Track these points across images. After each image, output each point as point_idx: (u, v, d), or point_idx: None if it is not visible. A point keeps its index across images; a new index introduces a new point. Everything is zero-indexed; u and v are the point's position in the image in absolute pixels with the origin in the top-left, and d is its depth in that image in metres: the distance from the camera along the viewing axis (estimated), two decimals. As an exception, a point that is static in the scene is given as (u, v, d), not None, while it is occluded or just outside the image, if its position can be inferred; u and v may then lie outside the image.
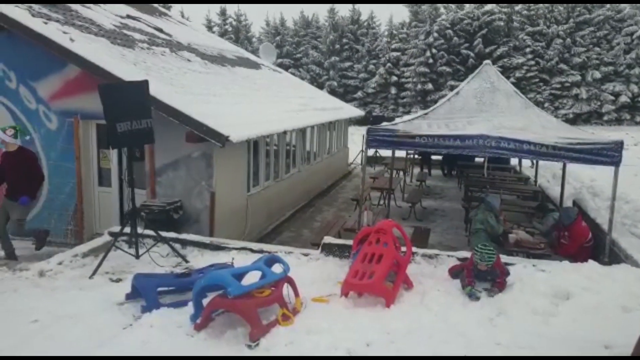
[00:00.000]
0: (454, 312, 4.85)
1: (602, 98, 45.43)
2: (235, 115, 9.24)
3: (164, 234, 6.89)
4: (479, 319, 4.71)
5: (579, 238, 7.56)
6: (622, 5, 47.86)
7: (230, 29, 59.19)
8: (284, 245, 7.55)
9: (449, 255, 6.22)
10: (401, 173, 15.72)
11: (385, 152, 14.78)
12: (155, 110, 7.48)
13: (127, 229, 6.70)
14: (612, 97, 45.09)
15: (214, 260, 6.17)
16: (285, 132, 11.26)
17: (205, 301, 4.61)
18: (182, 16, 46.69)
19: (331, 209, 13.08)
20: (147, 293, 4.92)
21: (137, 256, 6.57)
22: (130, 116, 6.17)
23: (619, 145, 6.91)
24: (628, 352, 3.58)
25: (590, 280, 5.23)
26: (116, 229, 7.23)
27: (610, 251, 6.99)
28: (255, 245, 6.98)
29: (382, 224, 5.81)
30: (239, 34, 58.23)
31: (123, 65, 8.41)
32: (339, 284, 5.39)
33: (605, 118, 45.29)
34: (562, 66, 46.44)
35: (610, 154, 6.93)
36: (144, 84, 6.47)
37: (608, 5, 47.58)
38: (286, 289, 4.96)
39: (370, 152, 10.58)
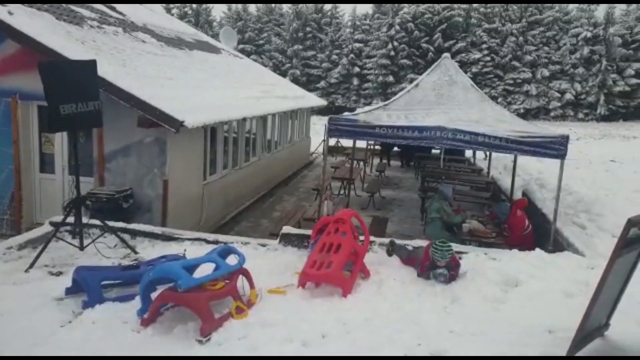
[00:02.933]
0: (409, 301, 4.87)
1: (549, 95, 47.51)
2: (191, 100, 8.93)
3: (111, 223, 6.56)
4: (434, 307, 4.76)
5: (516, 228, 7.89)
6: (570, 7, 50.03)
7: (190, 11, 57.63)
8: (241, 236, 7.40)
9: (405, 245, 6.25)
10: (361, 163, 15.79)
11: (347, 143, 14.81)
12: (104, 93, 7.15)
13: (72, 219, 6.29)
14: (559, 94, 47.28)
15: (166, 251, 5.93)
16: (244, 119, 11.01)
17: (154, 295, 4.40)
18: (138, -3, 45.07)
19: (292, 198, 12.98)
20: (89, 287, 4.61)
21: (82, 247, 6.20)
22: (75, 98, 5.82)
23: (565, 139, 7.15)
24: (570, 335, 3.71)
25: (536, 267, 5.46)
26: (58, 218, 6.71)
27: (555, 240, 7.29)
28: (210, 236, 6.78)
29: (341, 213, 5.77)
30: (199, 18, 56.79)
31: (68, 43, 7.92)
32: (296, 275, 5.30)
33: (552, 114, 47.41)
34: (515, 63, 48.11)
35: (557, 147, 7.18)
36: (92, 63, 6.12)
37: (557, 7, 49.63)
38: (241, 281, 4.82)
39: (332, 142, 10.54)
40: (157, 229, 6.98)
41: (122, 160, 8.14)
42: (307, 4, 55.00)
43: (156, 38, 12.17)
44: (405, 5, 51.50)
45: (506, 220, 8.09)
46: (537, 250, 6.04)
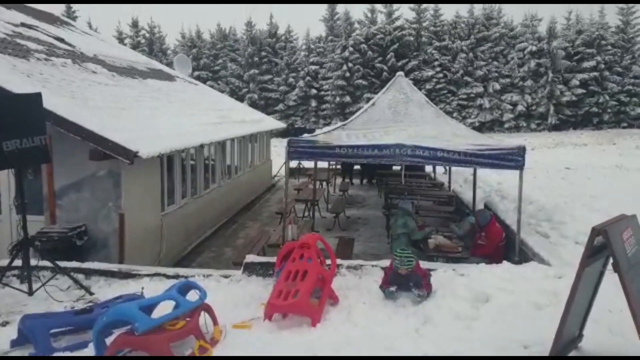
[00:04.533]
0: (381, 326, 4.75)
1: (502, 107, 49.35)
2: (146, 130, 8.65)
3: (64, 264, 6.18)
4: (406, 330, 4.65)
5: (495, 238, 7.90)
6: (515, 23, 52.53)
7: (143, 40, 56.99)
8: (202, 268, 7.12)
9: (372, 265, 6.17)
10: (324, 184, 15.73)
11: (309, 164, 14.74)
12: (53, 127, 6.83)
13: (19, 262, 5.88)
14: (511, 107, 49.16)
15: (123, 290, 5.60)
16: (202, 146, 10.78)
17: (109, 340, 4.10)
18: (90, 27, 44.21)
19: (255, 224, 12.72)
20: (36, 337, 4.25)
21: (30, 292, 5.79)
22: (20, 133, 5.52)
23: (522, 150, 7.28)
24: (545, 351, 3.67)
25: (505, 280, 5.43)
26: (4, 262, 6.26)
27: (520, 250, 7.34)
28: (170, 270, 6.49)
29: (305, 238, 5.63)
30: (152, 46, 56.19)
31: (13, 77, 7.54)
32: (262, 306, 5.09)
33: (506, 126, 49.16)
34: (467, 78, 49.83)
35: (514, 159, 7.28)
36: (37, 96, 5.83)
37: (502, 23, 52.01)
38: (203, 318, 4.57)
39: (294, 163, 10.42)
40: (114, 266, 6.64)
41: (75, 196, 7.75)
42: (261, 29, 55.49)
43: (108, 68, 11.85)
44: (357, 27, 52.71)
45: (485, 227, 8.04)
46: (505, 262, 6.03)
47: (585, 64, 48.76)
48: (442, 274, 5.76)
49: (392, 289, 5.24)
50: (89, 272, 6.38)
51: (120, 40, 54.42)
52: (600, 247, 3.33)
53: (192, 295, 4.57)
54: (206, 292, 4.66)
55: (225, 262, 9.12)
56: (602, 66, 48.71)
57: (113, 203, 7.70)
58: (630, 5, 51.59)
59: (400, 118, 9.68)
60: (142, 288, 5.31)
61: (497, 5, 53.47)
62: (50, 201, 7.72)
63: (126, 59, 14.69)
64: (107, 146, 7.02)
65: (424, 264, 6.02)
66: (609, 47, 49.72)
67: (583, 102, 48.92)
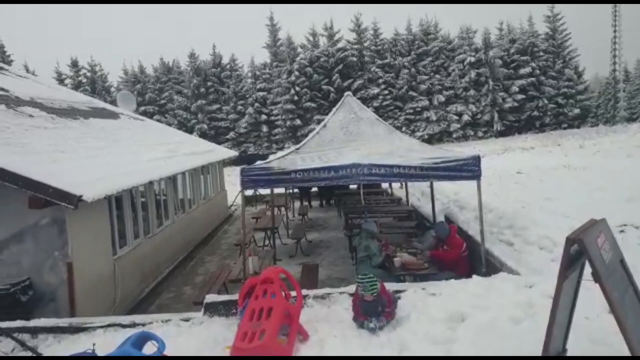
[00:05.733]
0: (356, 359, 4.51)
1: (448, 118, 50.99)
2: (89, 171, 8.19)
3: (6, 324, 5.65)
4: (383, 361, 4.43)
5: (457, 248, 7.87)
6: (452, 36, 54.83)
7: (84, 80, 55.46)
8: (161, 311, 6.70)
9: (340, 293, 5.94)
10: (283, 209, 15.46)
11: (265, 190, 14.46)
12: (-16, 177, 6.32)
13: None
14: (457, 117, 50.84)
15: (74, 346, 5.15)
16: (151, 183, 10.33)
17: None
18: (27, 70, 42.55)
19: (214, 258, 12.27)
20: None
21: (-31, 361, 5.26)
22: (-55, 189, 5.01)
23: (476, 160, 7.34)
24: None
25: (477, 296, 5.31)
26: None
27: (487, 261, 7.31)
28: (125, 319, 6.02)
29: (267, 272, 5.34)
30: (95, 85, 54.77)
31: None
32: (227, 350, 4.77)
33: (454, 135, 50.74)
34: (412, 93, 51.31)
35: (471, 169, 7.33)
36: (-39, 147, 5.34)
37: (440, 37, 54.14)
38: (164, 370, 4.23)
39: (250, 191, 10.14)
40: (63, 321, 6.11)
41: (16, 248, 7.20)
42: (204, 60, 55.21)
43: (46, 111, 11.25)
44: (301, 51, 53.41)
45: (446, 239, 8.00)
46: (474, 277, 5.95)
47: (522, 71, 51.29)
48: (412, 294, 5.59)
49: (372, 324, 4.99)
50: (35, 331, 5.84)
51: (60, 81, 52.76)
52: (576, 255, 3.24)
53: (149, 348, 4.21)
54: (164, 342, 4.29)
55: (185, 302, 8.68)
56: (538, 72, 51.42)
57: (59, 252, 7.19)
58: (556, 12, 54.97)
59: (352, 137, 9.65)
60: (94, 345, 4.85)
61: (433, 20, 55.74)
62: (-11, 257, 7.12)
63: (66, 99, 14.06)
64: (48, 192, 6.57)
65: (392, 286, 5.89)
66: (542, 54, 52.61)
67: (524, 107, 51.27)
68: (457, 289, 5.54)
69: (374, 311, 5.07)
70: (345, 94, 11.65)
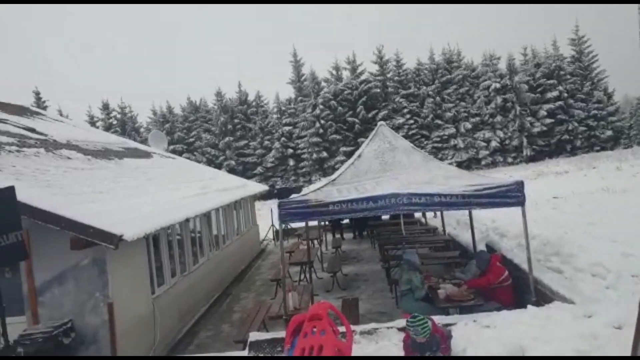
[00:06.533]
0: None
1: (476, 145, 50.38)
2: (128, 211, 8.26)
3: (51, 368, 5.59)
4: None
5: (494, 275, 7.58)
6: (475, 63, 54.73)
7: (115, 122, 57.32)
8: (201, 351, 6.55)
9: (388, 327, 5.71)
10: (316, 242, 15.29)
11: (295, 223, 14.37)
12: (29, 219, 6.41)
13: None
14: (484, 144, 50.20)
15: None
16: (187, 220, 10.37)
17: None
18: (61, 114, 44.29)
19: (250, 294, 12.12)
20: None
21: (16, 407, 5.19)
22: (-6, 231, 5.08)
23: (520, 185, 7.10)
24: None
25: (535, 327, 5.03)
26: (-15, 375, 5.71)
27: (536, 289, 6.97)
28: (168, 360, 5.92)
29: (314, 308, 5.13)
30: (125, 126, 56.47)
31: (-18, 174, 7.20)
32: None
33: (483, 162, 50.00)
34: (438, 121, 51.11)
35: (514, 195, 7.10)
36: (9, 190, 5.43)
37: (464, 65, 54.13)
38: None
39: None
40: (108, 364, 6.04)
41: (58, 290, 7.21)
42: (231, 97, 56.56)
43: (82, 152, 11.56)
44: (324, 85, 54.16)
45: (487, 268, 7.73)
46: (529, 307, 5.67)
47: (549, 95, 50.64)
48: (463, 327, 5.34)
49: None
50: (79, 375, 5.78)
51: (92, 123, 54.70)
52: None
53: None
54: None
55: (224, 340, 8.52)
56: (565, 95, 50.67)
57: (100, 292, 7.17)
58: (581, 35, 54.51)
59: (388, 167, 9.52)
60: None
61: (456, 48, 55.89)
62: (32, 299, 7.15)
63: (100, 141, 14.47)
64: (89, 233, 6.60)
65: (440, 319, 5.62)
66: (568, 77, 51.96)
67: (553, 131, 50.35)
68: (510, 321, 5.25)
69: (428, 351, 4.81)
70: (379, 123, 11.59)
